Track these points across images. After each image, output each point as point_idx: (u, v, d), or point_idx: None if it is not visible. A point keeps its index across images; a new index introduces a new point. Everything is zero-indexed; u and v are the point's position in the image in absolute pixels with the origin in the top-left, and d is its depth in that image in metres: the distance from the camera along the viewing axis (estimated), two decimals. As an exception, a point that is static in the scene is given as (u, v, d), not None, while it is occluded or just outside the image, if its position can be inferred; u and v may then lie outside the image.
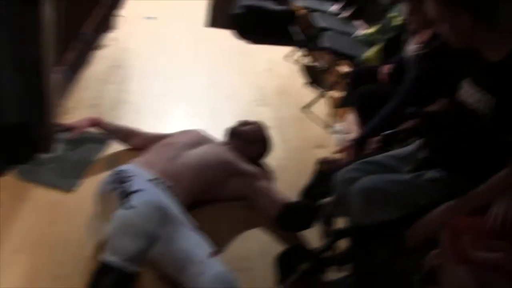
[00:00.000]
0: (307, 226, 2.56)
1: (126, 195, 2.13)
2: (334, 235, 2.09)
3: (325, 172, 2.44)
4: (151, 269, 2.24)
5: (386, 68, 3.02)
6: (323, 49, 3.97)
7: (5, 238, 2.37)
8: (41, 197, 2.68)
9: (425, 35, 2.69)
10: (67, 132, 3.09)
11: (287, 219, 2.60)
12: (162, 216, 2.09)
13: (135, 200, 2.09)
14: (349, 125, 3.41)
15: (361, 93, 2.91)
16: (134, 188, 2.18)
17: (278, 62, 4.83)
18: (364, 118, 2.90)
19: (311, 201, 2.54)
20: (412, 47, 2.79)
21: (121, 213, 2.05)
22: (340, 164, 2.41)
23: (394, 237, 1.97)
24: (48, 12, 2.75)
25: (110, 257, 1.95)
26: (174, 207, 2.28)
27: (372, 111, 2.73)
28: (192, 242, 2.17)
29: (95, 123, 3.09)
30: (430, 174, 2.02)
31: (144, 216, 2.03)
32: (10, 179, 2.79)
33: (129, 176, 2.33)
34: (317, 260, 2.13)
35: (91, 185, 2.65)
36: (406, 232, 1.89)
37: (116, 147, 3.18)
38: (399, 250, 1.96)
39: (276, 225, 2.62)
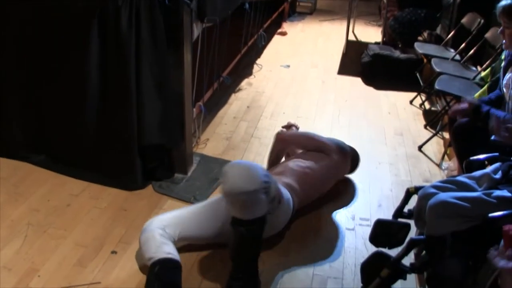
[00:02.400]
0: (398, 243, 2.80)
1: None
2: (408, 244, 2.32)
3: (413, 194, 2.67)
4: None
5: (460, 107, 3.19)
6: (437, 92, 4.18)
7: (136, 234, 2.84)
8: (170, 207, 3.12)
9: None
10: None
11: (380, 236, 2.85)
12: None
13: None
14: (455, 163, 3.58)
15: (456, 126, 3.11)
16: None
17: (399, 106, 5.04)
18: (459, 150, 3.11)
19: (401, 221, 2.77)
20: (508, 76, 2.95)
21: None
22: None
23: (464, 249, 2.19)
24: (188, 56, 3.23)
25: None
26: None
27: (467, 144, 2.95)
28: None
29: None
30: (499, 192, 2.22)
31: None
32: (149, 191, 3.32)
33: None
34: (396, 267, 2.36)
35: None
36: None
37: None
38: (468, 261, 2.18)
39: (370, 241, 2.88)
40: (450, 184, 2.40)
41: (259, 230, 2.48)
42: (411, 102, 5.15)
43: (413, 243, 2.30)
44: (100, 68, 3.15)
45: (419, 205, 2.43)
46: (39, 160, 3.57)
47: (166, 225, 2.62)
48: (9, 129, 3.59)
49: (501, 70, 3.24)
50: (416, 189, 2.58)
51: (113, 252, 2.75)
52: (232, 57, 5.25)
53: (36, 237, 2.85)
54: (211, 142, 4.06)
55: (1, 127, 3.59)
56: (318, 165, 3.19)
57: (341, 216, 3.23)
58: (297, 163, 3.18)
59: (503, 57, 3.70)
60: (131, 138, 3.21)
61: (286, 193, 2.86)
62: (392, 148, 4.16)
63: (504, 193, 2.23)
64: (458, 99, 3.95)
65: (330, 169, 3.27)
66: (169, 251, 2.51)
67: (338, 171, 3.41)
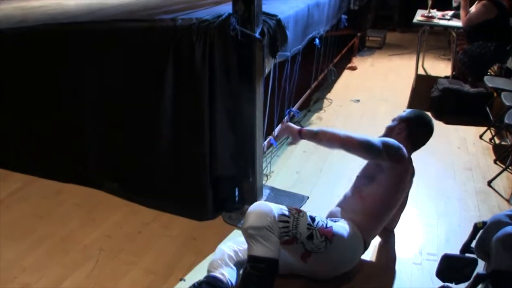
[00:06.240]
0: (465, 278, 2.79)
1: None
2: (474, 279, 2.33)
3: (481, 229, 2.67)
4: None
5: None
6: (508, 126, 4.15)
7: (205, 262, 2.93)
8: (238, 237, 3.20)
9: None
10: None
11: (446, 270, 2.85)
12: None
13: None
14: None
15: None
16: None
17: (469, 141, 5.00)
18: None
19: (469, 256, 2.77)
20: None
21: None
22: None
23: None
24: (259, 91, 3.30)
25: None
26: None
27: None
28: None
29: None
30: None
31: None
32: (219, 221, 3.45)
33: None
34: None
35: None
36: None
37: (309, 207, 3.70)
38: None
39: (436, 276, 2.89)
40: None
41: (266, 271, 2.45)
42: (480, 136, 5.10)
43: (479, 278, 2.31)
44: (174, 101, 3.29)
45: (487, 229, 2.43)
46: (112, 188, 3.77)
47: (239, 249, 2.74)
48: (84, 158, 3.81)
49: None
50: (484, 224, 2.59)
51: (182, 279, 2.87)
52: (302, 91, 5.36)
53: (107, 262, 3.02)
54: (281, 176, 4.15)
55: (77, 156, 3.83)
56: (378, 188, 3.00)
57: (408, 250, 3.23)
58: (356, 193, 3.09)
59: None
60: (203, 170, 3.32)
61: (351, 230, 2.85)
62: (461, 183, 4.13)
63: None
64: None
65: (391, 186, 3.02)
66: (223, 272, 2.62)
67: (400, 180, 3.11)
